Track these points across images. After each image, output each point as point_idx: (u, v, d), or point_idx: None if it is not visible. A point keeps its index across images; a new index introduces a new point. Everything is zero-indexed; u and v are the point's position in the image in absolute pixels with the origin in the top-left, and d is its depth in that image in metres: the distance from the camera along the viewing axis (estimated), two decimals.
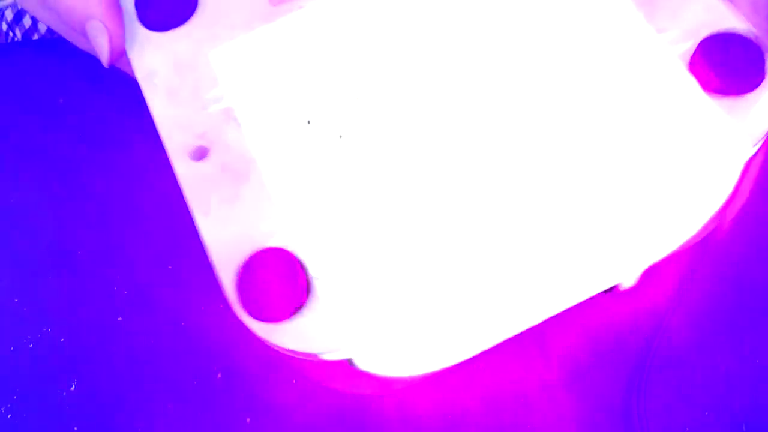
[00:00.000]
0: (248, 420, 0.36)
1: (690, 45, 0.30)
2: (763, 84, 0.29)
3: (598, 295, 0.35)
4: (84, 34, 0.32)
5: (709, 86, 0.29)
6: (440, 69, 0.31)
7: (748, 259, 0.41)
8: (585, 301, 0.34)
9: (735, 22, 0.30)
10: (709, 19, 0.30)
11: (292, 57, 0.32)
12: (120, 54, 0.32)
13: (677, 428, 0.36)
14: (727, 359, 0.38)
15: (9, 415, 0.35)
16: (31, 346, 0.37)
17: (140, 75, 0.31)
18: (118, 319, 0.38)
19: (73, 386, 0.36)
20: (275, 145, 0.30)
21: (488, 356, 0.37)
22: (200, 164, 0.30)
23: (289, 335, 0.26)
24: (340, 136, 0.29)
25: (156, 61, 0.32)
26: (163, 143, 0.31)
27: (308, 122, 0.30)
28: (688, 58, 0.30)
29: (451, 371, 0.34)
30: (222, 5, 0.32)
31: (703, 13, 0.30)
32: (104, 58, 0.32)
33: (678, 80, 0.30)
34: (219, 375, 0.36)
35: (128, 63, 0.32)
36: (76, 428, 0.35)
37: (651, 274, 0.40)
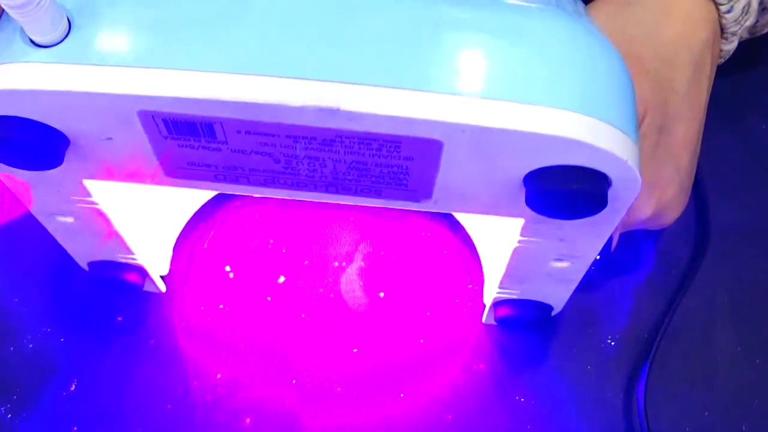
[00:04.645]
0: (248, 420, 0.36)
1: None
2: None
3: (597, 295, 0.35)
4: None
5: None
6: None
7: (748, 259, 0.41)
8: (583, 303, 0.34)
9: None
10: None
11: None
12: None
13: (677, 428, 0.36)
14: (727, 359, 0.38)
15: (9, 416, 0.35)
16: (31, 346, 0.37)
17: None
18: (118, 319, 0.38)
19: (73, 386, 0.36)
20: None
21: (493, 367, 0.37)
22: (61, 219, 0.31)
23: None
24: None
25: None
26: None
27: None
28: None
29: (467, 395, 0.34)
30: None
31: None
32: None
33: None
34: (219, 375, 0.36)
35: None
36: (76, 428, 0.35)
37: (648, 279, 0.40)
